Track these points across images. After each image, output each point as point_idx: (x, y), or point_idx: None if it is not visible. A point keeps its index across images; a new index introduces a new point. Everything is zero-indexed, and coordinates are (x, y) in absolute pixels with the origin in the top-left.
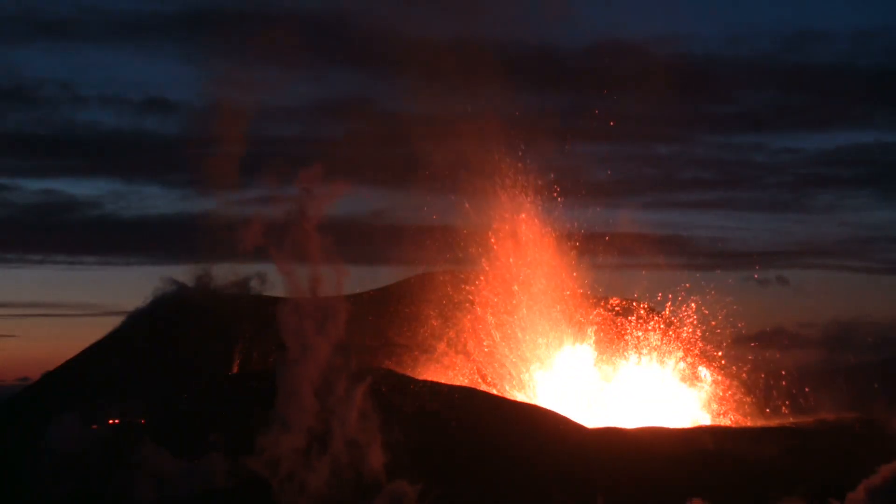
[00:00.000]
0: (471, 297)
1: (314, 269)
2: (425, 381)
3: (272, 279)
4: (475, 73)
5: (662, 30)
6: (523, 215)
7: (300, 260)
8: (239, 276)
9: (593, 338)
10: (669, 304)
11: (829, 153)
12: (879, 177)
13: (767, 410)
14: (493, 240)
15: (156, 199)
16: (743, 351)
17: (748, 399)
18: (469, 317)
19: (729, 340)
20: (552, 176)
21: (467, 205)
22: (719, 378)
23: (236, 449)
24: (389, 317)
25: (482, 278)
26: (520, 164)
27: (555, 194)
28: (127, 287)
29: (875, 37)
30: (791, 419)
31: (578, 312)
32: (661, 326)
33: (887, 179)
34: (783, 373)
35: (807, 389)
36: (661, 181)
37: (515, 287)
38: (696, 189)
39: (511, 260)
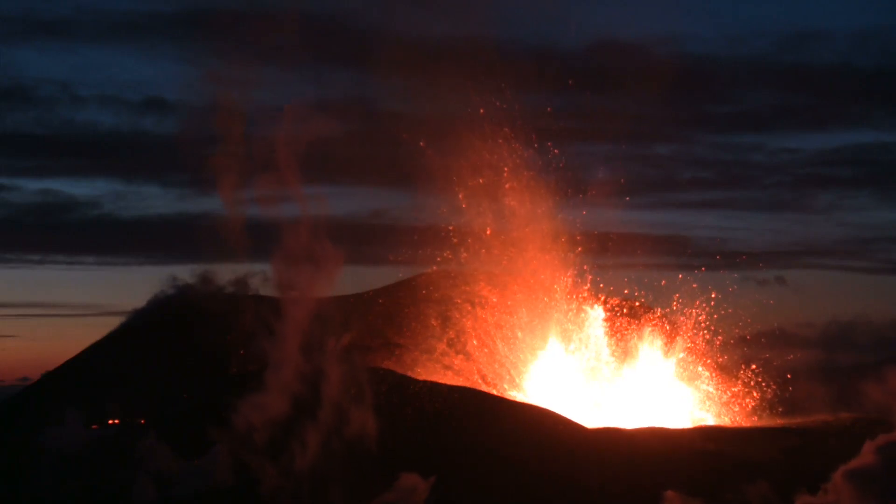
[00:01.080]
0: (471, 297)
1: (294, 192)
2: (425, 381)
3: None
4: (473, 72)
5: (661, 30)
6: (522, 215)
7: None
8: (239, 276)
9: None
10: (668, 304)
11: (828, 153)
12: (879, 177)
13: (765, 410)
14: (491, 240)
15: (155, 199)
16: (742, 351)
17: (747, 399)
18: (469, 317)
19: (728, 340)
20: (550, 176)
21: (466, 205)
22: (718, 378)
23: (237, 448)
24: (389, 317)
25: (482, 278)
26: (518, 162)
27: (553, 193)
28: (126, 287)
29: (874, 37)
30: (789, 419)
31: (577, 311)
32: (660, 326)
33: (886, 179)
34: (783, 373)
35: (805, 389)
36: (660, 181)
37: (515, 287)
38: (696, 189)
39: (509, 260)
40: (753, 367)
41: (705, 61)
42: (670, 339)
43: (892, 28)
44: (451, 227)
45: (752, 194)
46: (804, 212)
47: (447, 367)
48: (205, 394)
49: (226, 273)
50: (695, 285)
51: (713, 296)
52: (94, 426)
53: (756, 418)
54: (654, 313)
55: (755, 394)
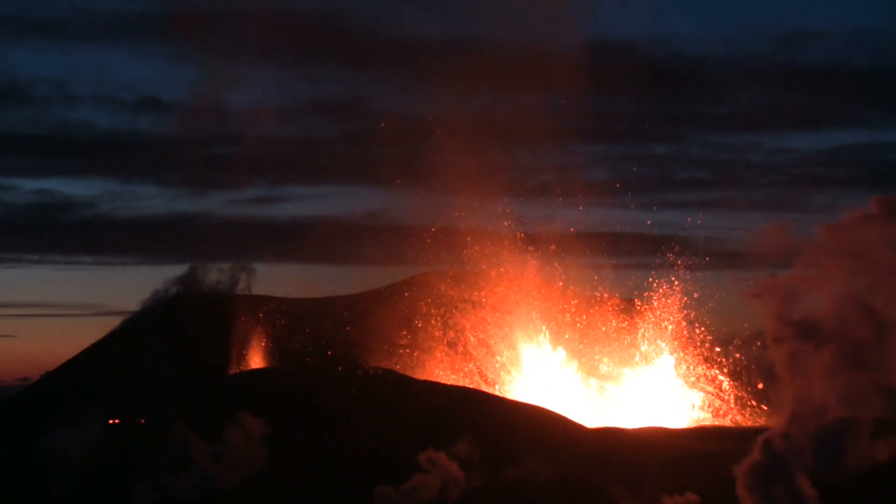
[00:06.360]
0: (471, 297)
1: None
2: (425, 381)
3: (269, 278)
4: (469, 72)
5: (657, 30)
6: (520, 215)
7: None
8: (235, 276)
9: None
10: (667, 303)
11: (824, 153)
12: (875, 176)
13: (764, 410)
14: (490, 239)
15: (151, 199)
16: (739, 350)
17: (746, 399)
18: (469, 317)
19: (725, 340)
20: (547, 176)
21: (461, 204)
22: (717, 378)
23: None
24: (389, 317)
25: (482, 278)
26: (515, 163)
27: (550, 194)
28: (124, 287)
29: (869, 37)
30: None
31: (575, 312)
32: (659, 326)
33: (883, 179)
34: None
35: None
36: (656, 181)
37: (514, 286)
38: (692, 189)
39: (508, 260)
40: (751, 366)
41: (701, 61)
42: (668, 338)
43: (887, 28)
44: (450, 227)
45: (748, 194)
46: (801, 212)
47: (447, 367)
48: (204, 394)
49: (222, 273)
50: (691, 285)
51: (710, 296)
52: (93, 426)
53: (755, 418)
54: (651, 313)
55: (753, 393)
